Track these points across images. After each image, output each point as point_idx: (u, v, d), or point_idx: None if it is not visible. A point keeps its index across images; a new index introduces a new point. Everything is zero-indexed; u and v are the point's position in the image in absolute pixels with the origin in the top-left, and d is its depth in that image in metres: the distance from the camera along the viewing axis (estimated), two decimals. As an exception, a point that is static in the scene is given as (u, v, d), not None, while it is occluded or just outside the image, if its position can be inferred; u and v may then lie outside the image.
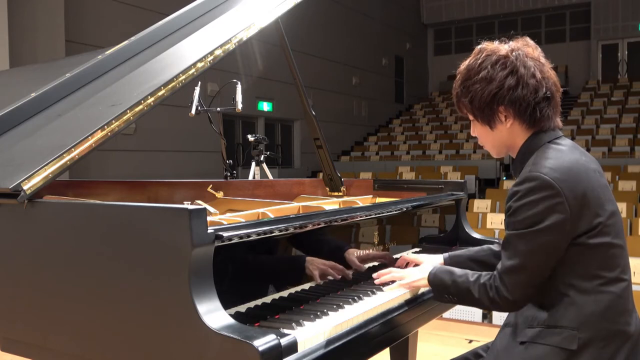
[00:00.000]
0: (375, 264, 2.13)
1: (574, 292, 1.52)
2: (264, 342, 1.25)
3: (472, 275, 1.65)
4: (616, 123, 15.07)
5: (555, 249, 1.50)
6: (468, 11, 21.14)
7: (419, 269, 1.89)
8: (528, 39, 1.68)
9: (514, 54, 1.61)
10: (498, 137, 1.68)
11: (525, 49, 1.63)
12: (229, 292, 1.47)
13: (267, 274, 1.71)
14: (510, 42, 1.67)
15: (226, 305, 1.38)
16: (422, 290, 1.97)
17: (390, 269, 1.96)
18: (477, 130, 1.72)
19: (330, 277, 1.86)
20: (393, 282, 1.89)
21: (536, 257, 1.51)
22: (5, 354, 1.78)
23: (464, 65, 1.69)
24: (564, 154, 1.57)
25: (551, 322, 1.53)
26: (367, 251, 2.10)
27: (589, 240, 1.50)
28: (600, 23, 19.42)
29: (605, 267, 1.52)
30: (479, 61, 1.64)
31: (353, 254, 2.01)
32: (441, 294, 1.73)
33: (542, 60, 1.64)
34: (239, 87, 3.12)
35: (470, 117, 1.71)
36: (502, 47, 1.64)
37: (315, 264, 1.82)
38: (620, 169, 11.60)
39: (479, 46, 1.68)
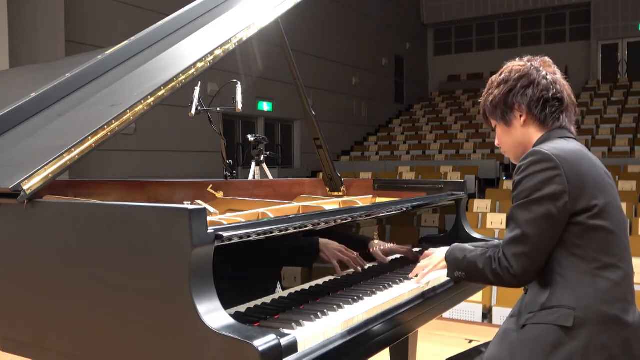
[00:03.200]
0: (397, 256, 2.16)
1: (572, 273, 1.58)
2: (264, 342, 1.25)
3: (482, 250, 1.77)
4: (616, 123, 15.06)
5: (553, 220, 1.58)
6: (468, 11, 21.12)
7: (439, 251, 1.99)
8: (547, 58, 1.85)
9: (529, 63, 1.80)
10: (514, 136, 1.81)
11: (542, 63, 1.82)
12: (229, 292, 1.47)
13: (267, 274, 1.71)
14: (529, 57, 1.85)
15: (226, 305, 1.38)
16: (424, 289, 1.98)
17: (419, 265, 2.04)
18: (498, 133, 1.87)
19: (344, 262, 1.96)
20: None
21: (535, 226, 1.59)
22: (5, 354, 1.78)
23: (489, 80, 1.88)
24: (570, 144, 1.69)
25: (549, 303, 1.59)
26: (390, 245, 2.15)
27: (589, 221, 1.58)
28: (600, 23, 19.40)
29: (602, 252, 1.58)
30: (500, 72, 1.85)
31: (377, 246, 2.11)
32: (453, 270, 1.84)
33: (558, 74, 1.81)
34: (239, 87, 3.12)
35: (493, 123, 1.87)
36: (520, 61, 1.84)
37: (330, 247, 1.93)
38: (620, 169, 11.60)
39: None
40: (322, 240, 1.90)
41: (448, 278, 1.96)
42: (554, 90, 1.75)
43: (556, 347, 1.53)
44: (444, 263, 1.90)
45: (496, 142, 1.90)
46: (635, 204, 8.92)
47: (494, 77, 1.86)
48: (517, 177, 1.65)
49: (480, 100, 1.90)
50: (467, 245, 1.87)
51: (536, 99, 1.74)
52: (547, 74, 1.76)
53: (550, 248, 1.61)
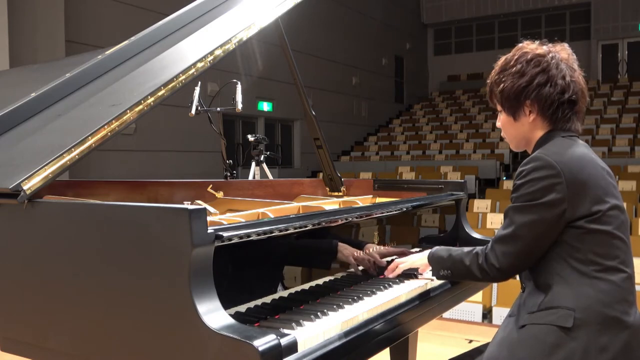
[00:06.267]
0: (394, 258, 2.17)
1: (572, 275, 1.58)
2: (264, 342, 1.25)
3: (467, 249, 1.78)
4: (616, 123, 15.06)
5: (548, 226, 1.58)
6: (468, 11, 21.12)
7: (421, 252, 2.03)
8: (566, 45, 1.77)
9: (549, 55, 1.71)
10: (519, 130, 1.78)
11: (561, 54, 1.73)
12: (229, 292, 1.47)
13: (268, 274, 1.71)
14: (549, 45, 1.75)
15: (226, 305, 1.38)
16: (424, 289, 1.98)
17: (396, 261, 2.07)
18: (502, 120, 1.82)
19: (359, 266, 2.00)
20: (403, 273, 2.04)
21: (528, 229, 1.60)
22: (5, 354, 1.78)
23: (502, 58, 1.78)
24: (573, 147, 1.66)
25: (549, 304, 1.59)
26: (386, 247, 2.17)
27: (588, 225, 1.57)
28: (600, 23, 19.40)
29: (603, 255, 1.58)
30: (516, 56, 1.74)
31: (371, 249, 2.11)
32: (438, 269, 1.86)
33: (575, 66, 1.74)
34: (239, 87, 3.12)
35: (498, 108, 1.81)
36: (540, 48, 1.74)
37: (349, 250, 1.96)
38: (620, 169, 11.60)
39: (520, 44, 1.78)
40: (340, 245, 1.94)
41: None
42: (570, 93, 1.68)
43: (555, 347, 1.53)
44: (424, 262, 1.94)
45: (497, 124, 1.85)
46: (635, 204, 8.92)
47: (508, 59, 1.74)
48: (517, 181, 1.64)
49: (488, 81, 1.81)
50: (451, 247, 1.90)
51: (550, 101, 1.68)
52: (565, 73, 1.68)
53: (542, 251, 1.61)
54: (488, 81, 1.81)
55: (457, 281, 2.10)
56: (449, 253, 1.83)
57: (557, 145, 1.65)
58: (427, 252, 1.94)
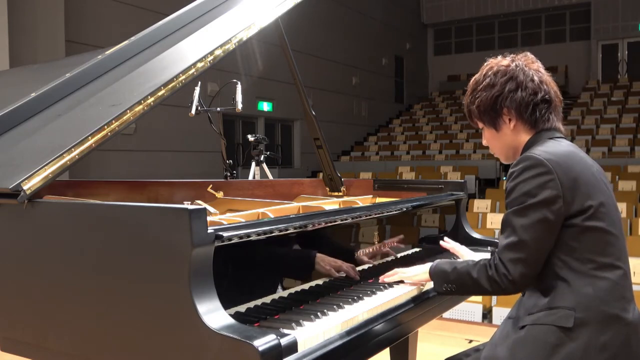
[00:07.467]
0: (382, 261, 2.15)
1: (570, 275, 1.58)
2: (264, 342, 1.25)
3: (472, 261, 1.74)
4: (616, 123, 15.06)
5: (549, 225, 1.57)
6: (468, 11, 21.13)
7: (422, 265, 1.95)
8: (529, 53, 1.83)
9: (514, 64, 1.77)
10: (504, 140, 1.80)
11: (525, 60, 1.78)
12: (229, 292, 1.47)
13: (268, 274, 1.71)
14: (512, 55, 1.81)
15: (226, 305, 1.38)
16: (423, 289, 1.98)
17: (396, 269, 2.00)
18: (486, 136, 1.85)
19: (340, 274, 1.92)
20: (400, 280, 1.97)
21: (531, 232, 1.58)
22: (5, 354, 1.78)
23: (472, 80, 1.84)
24: (561, 145, 1.68)
25: (549, 305, 1.59)
26: (372, 249, 2.12)
27: (583, 223, 1.58)
28: (600, 23, 19.41)
29: (598, 252, 1.58)
30: (483, 73, 1.80)
31: (361, 253, 2.07)
32: (441, 284, 1.80)
33: (542, 70, 1.78)
34: (239, 87, 3.12)
35: (480, 125, 1.84)
36: (503, 60, 1.80)
37: (326, 261, 1.89)
38: (620, 169, 11.60)
39: (485, 63, 1.84)
40: (318, 256, 1.87)
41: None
42: (542, 92, 1.72)
43: (556, 347, 1.53)
44: (426, 276, 1.87)
45: (484, 142, 1.87)
46: (635, 204, 8.92)
47: (477, 78, 1.81)
48: (510, 183, 1.63)
49: (464, 103, 1.86)
50: (455, 260, 1.83)
51: (525, 103, 1.71)
52: (533, 75, 1.73)
53: (547, 253, 1.60)
54: (464, 103, 1.86)
55: (461, 295, 2.02)
56: (453, 266, 1.76)
57: (544, 145, 1.67)
58: (428, 265, 1.88)
